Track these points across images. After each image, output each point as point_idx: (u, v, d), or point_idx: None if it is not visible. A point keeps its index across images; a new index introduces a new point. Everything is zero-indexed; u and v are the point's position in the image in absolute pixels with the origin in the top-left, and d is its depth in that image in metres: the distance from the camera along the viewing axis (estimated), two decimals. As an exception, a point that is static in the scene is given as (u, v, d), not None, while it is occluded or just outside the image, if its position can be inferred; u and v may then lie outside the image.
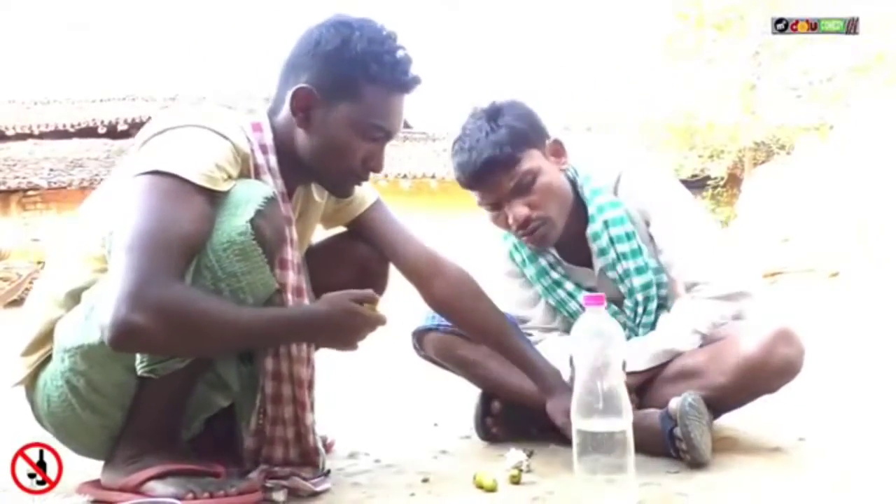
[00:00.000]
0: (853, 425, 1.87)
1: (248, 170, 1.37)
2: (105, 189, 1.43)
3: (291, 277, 1.41)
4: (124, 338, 1.15)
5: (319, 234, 1.71)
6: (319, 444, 1.48)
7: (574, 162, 1.77)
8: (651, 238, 1.74)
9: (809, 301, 6.45)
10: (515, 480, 1.44)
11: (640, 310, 1.75)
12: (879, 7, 10.24)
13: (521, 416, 1.81)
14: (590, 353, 1.25)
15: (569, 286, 1.80)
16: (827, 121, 12.03)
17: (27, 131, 16.67)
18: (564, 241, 1.76)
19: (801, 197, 9.99)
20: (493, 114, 1.66)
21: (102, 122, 16.56)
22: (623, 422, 1.21)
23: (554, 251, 1.81)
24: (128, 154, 1.37)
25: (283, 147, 1.44)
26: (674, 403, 1.50)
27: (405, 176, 14.36)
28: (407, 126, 17.23)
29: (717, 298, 1.64)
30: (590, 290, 1.77)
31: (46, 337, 1.35)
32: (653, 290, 1.73)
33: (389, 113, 1.44)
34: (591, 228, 1.72)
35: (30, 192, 14.16)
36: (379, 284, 1.67)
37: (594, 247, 1.74)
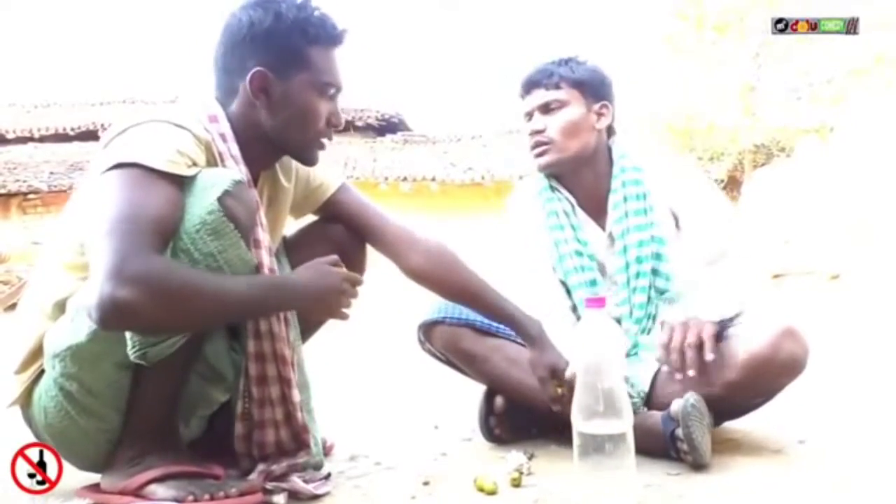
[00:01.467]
0: (854, 428, 1.87)
1: (212, 157, 1.39)
2: (78, 196, 1.44)
3: (265, 258, 1.42)
4: (112, 315, 1.15)
5: (291, 225, 1.73)
6: (309, 423, 1.48)
7: (621, 140, 1.97)
8: (673, 215, 1.86)
9: (810, 303, 6.45)
10: (516, 483, 1.44)
11: (631, 271, 1.82)
12: (879, 8, 10.24)
13: (523, 415, 1.81)
14: (590, 355, 1.25)
15: (570, 233, 1.89)
16: (827, 123, 12.03)
17: (27, 135, 16.67)
18: (586, 198, 1.92)
19: (801, 199, 9.99)
20: (571, 58, 1.93)
21: (103, 125, 16.50)
22: (623, 423, 1.21)
23: (573, 200, 1.92)
24: (93, 159, 1.38)
25: (242, 134, 1.46)
26: (676, 405, 1.51)
27: (405, 178, 14.35)
28: (407, 129, 17.25)
29: (749, 259, 1.77)
30: (590, 256, 1.87)
31: (38, 352, 1.36)
32: (646, 250, 1.81)
33: (335, 68, 1.50)
34: (613, 184, 1.88)
35: (30, 196, 14.15)
36: (357, 265, 1.70)
37: (611, 200, 1.87)
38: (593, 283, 1.84)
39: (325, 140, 1.53)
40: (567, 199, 1.92)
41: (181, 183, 1.28)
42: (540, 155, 1.88)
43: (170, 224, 1.24)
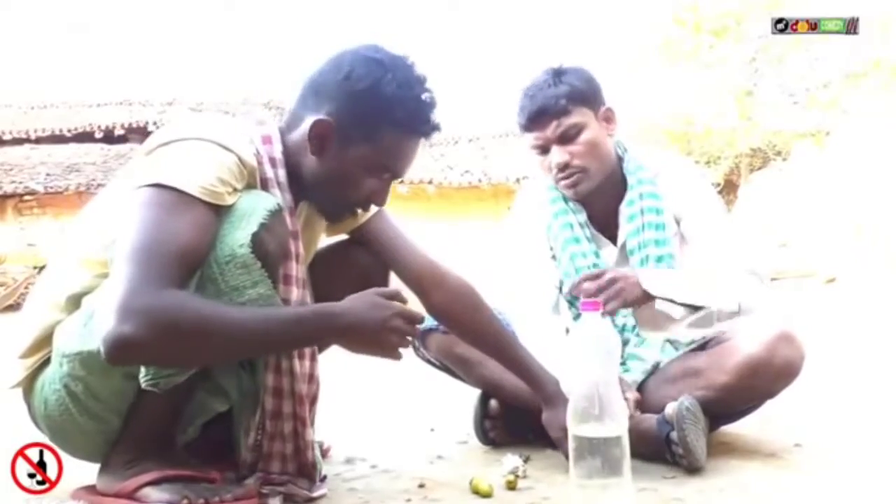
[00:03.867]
0: (850, 431, 1.87)
1: (255, 183, 1.36)
2: (108, 194, 1.43)
3: (295, 293, 1.40)
4: (117, 351, 1.14)
5: (321, 241, 1.71)
6: (318, 460, 1.47)
7: (623, 140, 1.91)
8: (677, 233, 1.81)
9: (806, 306, 6.45)
10: (512, 486, 1.44)
11: None
12: (876, 11, 10.26)
13: (519, 418, 1.81)
14: (586, 358, 1.25)
15: (586, 246, 1.84)
16: (823, 127, 12.06)
17: (24, 136, 16.64)
18: (597, 211, 1.87)
19: (797, 202, 10.01)
20: (559, 72, 1.81)
21: (99, 126, 16.52)
22: (619, 427, 1.21)
23: (585, 216, 1.87)
24: (133, 159, 1.37)
25: (292, 162, 1.43)
26: (670, 408, 1.51)
27: (402, 181, 14.30)
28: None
29: (746, 272, 1.72)
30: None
31: (45, 340, 1.35)
32: (664, 266, 1.76)
33: (404, 157, 1.44)
34: (628, 196, 1.82)
35: (26, 197, 14.13)
36: None
37: (626, 212, 1.82)
38: None
39: (357, 210, 1.50)
40: (581, 211, 1.86)
41: (217, 210, 1.26)
42: (574, 185, 1.79)
43: (196, 252, 1.22)
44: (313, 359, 1.46)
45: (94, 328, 1.23)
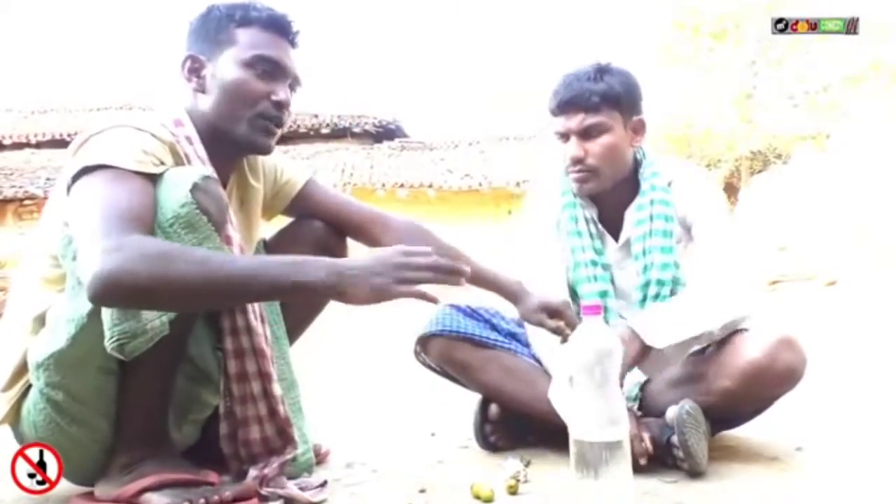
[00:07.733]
0: (851, 435, 1.87)
1: (178, 159, 1.40)
2: (50, 206, 1.44)
3: (237, 254, 1.42)
4: (101, 289, 1.14)
5: (267, 229, 1.74)
6: (298, 420, 1.48)
7: (647, 149, 1.89)
8: (682, 240, 1.79)
9: (807, 309, 6.45)
10: (513, 490, 1.44)
11: (650, 291, 1.73)
12: (875, 13, 10.28)
13: (519, 423, 1.81)
14: (587, 363, 1.24)
15: (587, 241, 1.82)
16: (823, 130, 12.08)
17: (24, 140, 16.64)
18: (607, 209, 1.85)
19: (798, 205, 10.01)
20: (603, 68, 1.79)
21: (100, 131, 16.53)
22: (620, 431, 1.21)
23: (596, 212, 1.85)
24: (64, 166, 1.40)
25: (206, 135, 1.48)
26: (671, 412, 1.51)
27: (402, 185, 14.36)
28: (404, 135, 17.26)
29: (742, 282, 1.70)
30: (604, 266, 1.81)
31: (23, 368, 1.35)
32: (668, 275, 1.72)
33: (268, 45, 1.49)
34: (639, 200, 1.80)
35: (26, 202, 14.12)
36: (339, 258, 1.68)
37: (634, 216, 1.79)
38: (604, 293, 1.78)
39: (270, 123, 1.49)
40: (591, 206, 1.85)
41: (151, 180, 1.30)
42: (582, 182, 1.78)
43: (142, 212, 1.25)
44: (264, 322, 1.48)
45: (60, 330, 1.26)
